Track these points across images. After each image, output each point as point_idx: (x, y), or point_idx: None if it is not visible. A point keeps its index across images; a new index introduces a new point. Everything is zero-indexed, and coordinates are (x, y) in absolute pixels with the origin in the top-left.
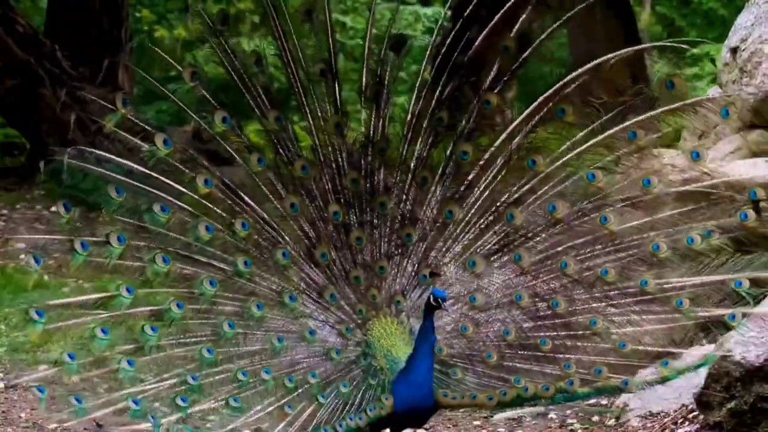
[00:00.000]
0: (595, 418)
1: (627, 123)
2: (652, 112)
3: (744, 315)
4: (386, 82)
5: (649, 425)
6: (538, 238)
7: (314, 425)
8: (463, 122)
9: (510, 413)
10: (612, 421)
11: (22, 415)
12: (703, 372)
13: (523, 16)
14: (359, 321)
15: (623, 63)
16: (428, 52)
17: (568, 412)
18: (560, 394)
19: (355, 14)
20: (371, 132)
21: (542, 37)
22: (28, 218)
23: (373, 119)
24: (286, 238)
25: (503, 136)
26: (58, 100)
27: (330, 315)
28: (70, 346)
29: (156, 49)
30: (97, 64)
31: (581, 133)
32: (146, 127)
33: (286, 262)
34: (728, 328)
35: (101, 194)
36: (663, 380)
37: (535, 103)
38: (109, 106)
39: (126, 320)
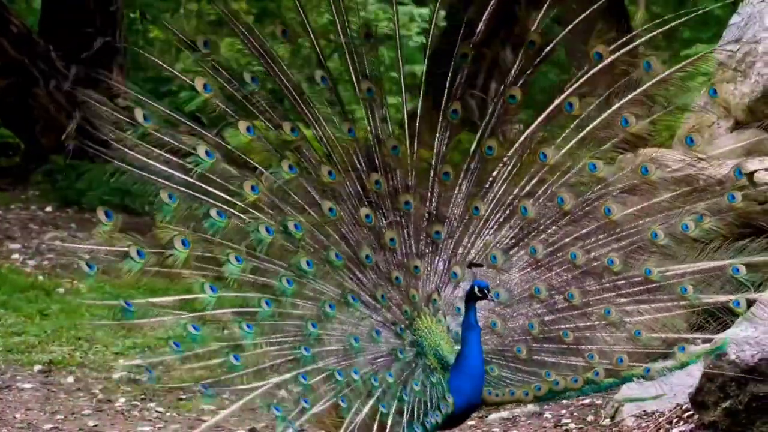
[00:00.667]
0: (590, 418)
1: (619, 103)
2: (642, 88)
3: (748, 301)
4: (370, 76)
5: (644, 425)
6: (549, 231)
7: (407, 422)
8: (487, 117)
9: (505, 413)
10: (607, 421)
11: (17, 415)
12: (698, 371)
13: (543, 10)
14: (407, 321)
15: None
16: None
17: (563, 411)
18: (588, 385)
19: (350, 14)
20: (377, 130)
21: (565, 30)
22: (23, 219)
23: (374, 117)
24: (332, 241)
25: (528, 131)
26: (53, 100)
27: (385, 316)
28: (173, 335)
29: (156, 58)
30: (91, 63)
31: (575, 122)
32: (173, 142)
33: (340, 264)
34: (735, 314)
35: (96, 195)
36: (682, 366)
37: (558, 100)
38: (113, 112)
39: (216, 320)
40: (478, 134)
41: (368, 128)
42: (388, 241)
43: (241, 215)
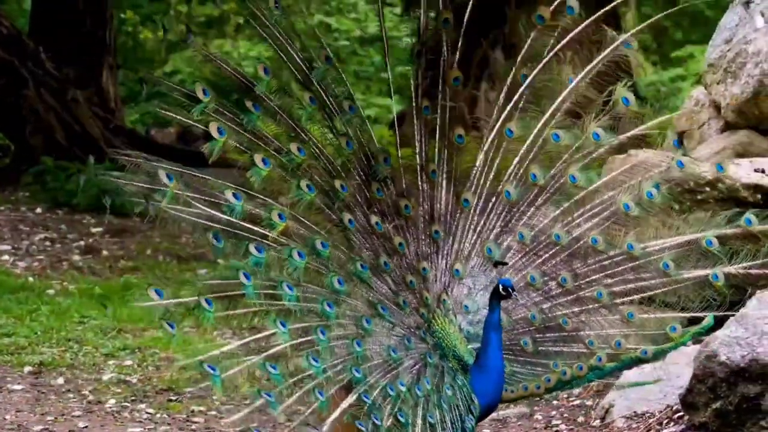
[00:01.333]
0: (581, 419)
1: (579, 77)
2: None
3: (725, 275)
4: (329, 92)
5: (634, 426)
6: (529, 212)
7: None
8: (440, 105)
9: (495, 414)
10: (597, 422)
11: (7, 417)
12: (688, 373)
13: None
14: (426, 325)
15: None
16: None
17: (553, 413)
18: (592, 371)
19: (340, 15)
20: (367, 144)
21: None
22: (13, 220)
23: (360, 132)
24: (355, 252)
25: (504, 115)
26: (42, 101)
27: (408, 321)
28: (265, 360)
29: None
30: (81, 65)
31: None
32: (201, 196)
33: (366, 274)
34: (716, 289)
35: (84, 196)
36: (677, 346)
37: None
38: (99, 111)
39: (286, 355)
40: (439, 123)
41: (357, 143)
42: (397, 246)
43: (274, 245)
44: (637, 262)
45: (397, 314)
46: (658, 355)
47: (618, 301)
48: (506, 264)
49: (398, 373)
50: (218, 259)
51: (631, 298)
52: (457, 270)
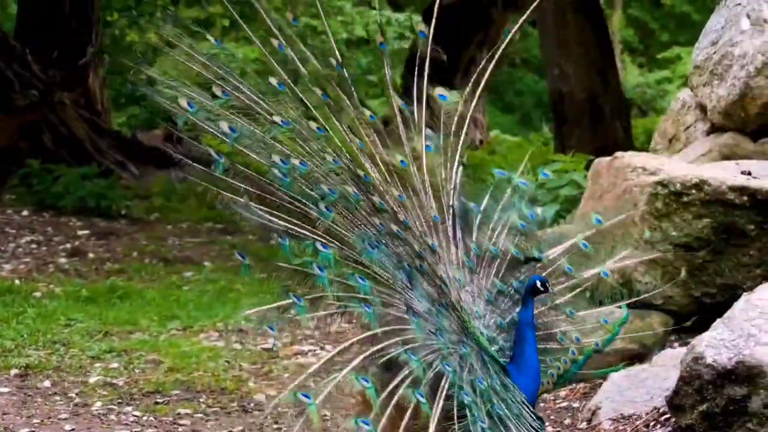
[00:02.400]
0: (567, 421)
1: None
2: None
3: (612, 272)
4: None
5: (620, 428)
6: (466, 228)
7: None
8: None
9: None
10: (584, 424)
11: None
12: (675, 375)
13: None
14: (464, 327)
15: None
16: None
17: (540, 414)
18: (573, 364)
19: (327, 18)
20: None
21: None
22: None
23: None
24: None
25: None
26: (29, 103)
27: (456, 321)
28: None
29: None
30: (68, 67)
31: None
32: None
33: (414, 273)
34: (608, 284)
35: (71, 198)
36: (613, 336)
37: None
38: (86, 114)
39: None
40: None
41: (340, 156)
42: (418, 253)
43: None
44: (550, 269)
45: (445, 313)
46: (606, 345)
47: (558, 301)
48: (538, 261)
49: (473, 374)
50: (288, 260)
51: (565, 298)
52: (458, 279)
